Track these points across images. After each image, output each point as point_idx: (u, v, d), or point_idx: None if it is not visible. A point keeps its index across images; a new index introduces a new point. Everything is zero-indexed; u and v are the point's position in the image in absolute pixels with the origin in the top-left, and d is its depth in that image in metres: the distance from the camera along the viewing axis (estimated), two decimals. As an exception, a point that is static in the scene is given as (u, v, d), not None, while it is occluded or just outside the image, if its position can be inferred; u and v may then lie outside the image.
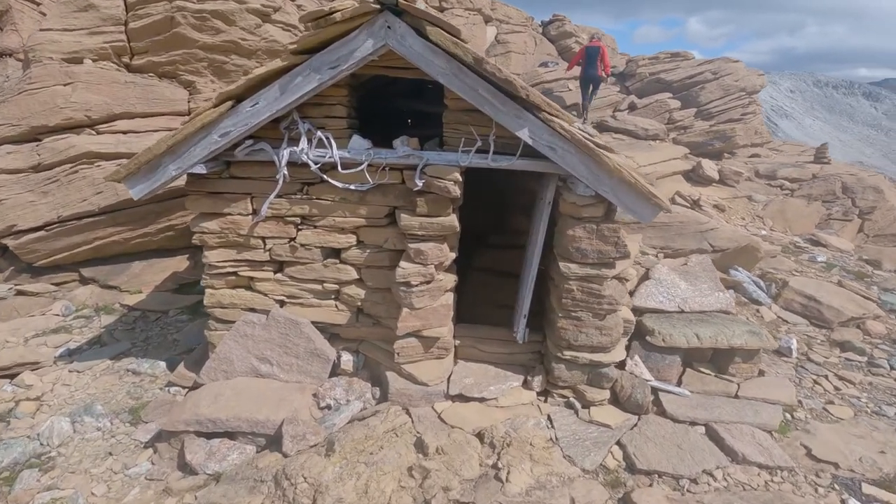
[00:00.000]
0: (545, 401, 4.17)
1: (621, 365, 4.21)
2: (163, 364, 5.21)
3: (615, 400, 4.10)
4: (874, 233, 9.17)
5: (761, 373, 4.53)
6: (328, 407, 4.16)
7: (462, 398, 4.06)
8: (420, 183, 3.73)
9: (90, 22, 7.19)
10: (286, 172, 3.89)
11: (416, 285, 3.92)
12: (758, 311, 5.79)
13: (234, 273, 4.36)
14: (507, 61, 14.55)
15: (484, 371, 4.34)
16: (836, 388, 4.48)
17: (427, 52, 3.37)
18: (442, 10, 10.47)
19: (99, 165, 6.73)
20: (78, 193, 6.57)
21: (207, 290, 4.44)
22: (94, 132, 7.01)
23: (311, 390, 4.31)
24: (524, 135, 3.53)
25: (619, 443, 3.68)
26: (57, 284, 7.09)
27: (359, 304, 4.31)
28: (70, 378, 5.10)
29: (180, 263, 7.48)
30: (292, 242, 4.22)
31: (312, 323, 4.37)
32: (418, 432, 3.64)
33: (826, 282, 6.41)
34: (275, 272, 4.37)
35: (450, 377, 4.21)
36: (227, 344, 4.43)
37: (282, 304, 4.44)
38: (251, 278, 4.38)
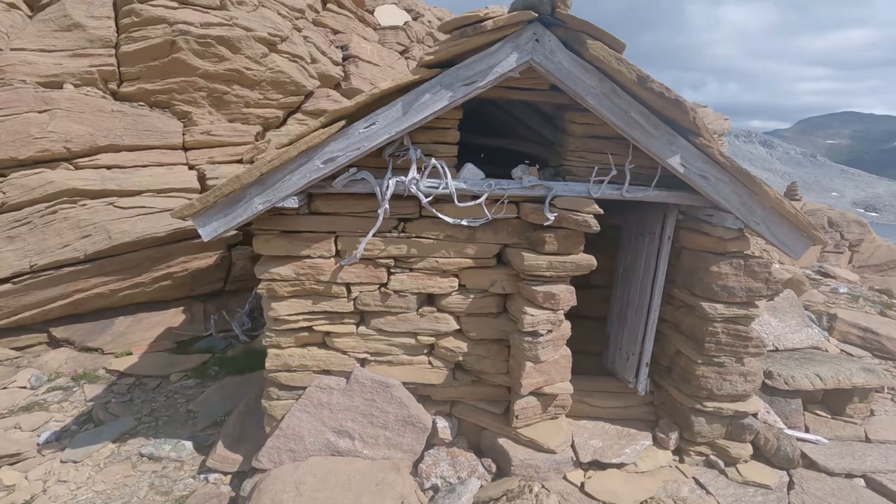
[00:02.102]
0: (681, 461, 3.68)
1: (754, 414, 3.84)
2: (188, 444, 4.22)
3: (757, 454, 3.68)
4: (859, 263, 9.71)
5: (871, 412, 4.32)
6: (434, 488, 3.43)
7: (598, 465, 3.49)
8: (552, 217, 3.26)
9: (74, 43, 6.28)
10: (388, 207, 3.30)
11: (543, 335, 3.38)
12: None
13: (308, 328, 3.60)
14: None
15: (603, 430, 3.81)
16: (947, 424, 4.35)
17: (577, 70, 2.99)
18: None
19: (84, 204, 5.71)
20: (57, 238, 5.50)
21: (271, 351, 3.62)
22: (71, 167, 5.98)
23: (407, 468, 3.57)
24: (675, 162, 3.19)
25: (791, 506, 3.25)
26: (19, 349, 5.81)
27: (459, 358, 3.68)
28: (66, 471, 3.99)
29: (174, 317, 6.43)
30: (383, 289, 3.57)
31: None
32: (574, 514, 3.02)
33: (862, 312, 6.51)
34: (357, 325, 3.66)
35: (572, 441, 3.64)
36: (297, 416, 3.61)
37: (362, 363, 3.72)
38: (327, 333, 3.64)
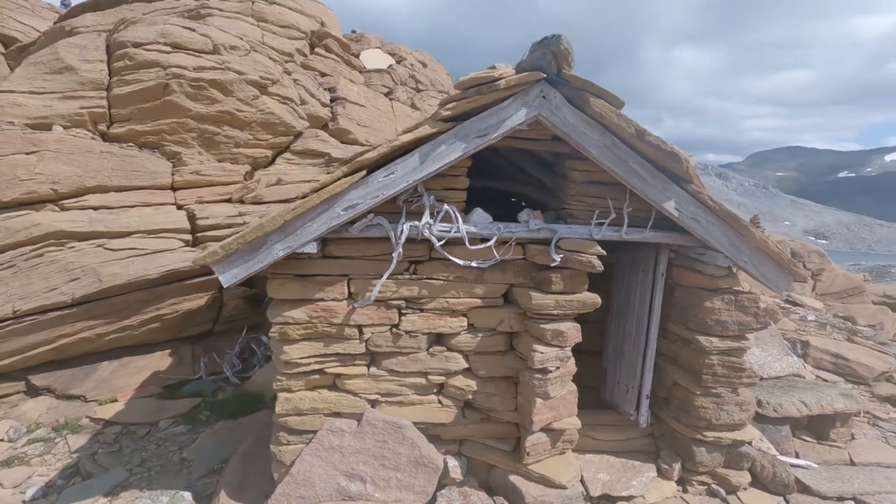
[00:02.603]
0: (684, 490, 3.81)
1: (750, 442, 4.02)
2: (187, 495, 4.08)
3: (755, 481, 3.85)
4: (821, 291, 10.31)
5: (852, 436, 4.58)
6: (449, 529, 3.44)
7: (608, 499, 3.57)
8: (558, 258, 3.45)
9: (65, 85, 6.29)
10: (401, 250, 3.42)
11: (552, 371, 3.51)
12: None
13: (320, 371, 3.62)
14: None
15: (609, 463, 3.91)
16: (921, 445, 4.64)
17: (581, 124, 3.25)
18: (418, 90, 10.73)
19: (72, 247, 5.60)
20: (44, 281, 5.35)
21: (281, 395, 3.61)
22: (57, 208, 5.88)
23: (420, 510, 3.57)
24: (670, 207, 3.45)
25: (793, 532, 3.40)
26: (-5, 399, 5.52)
27: (468, 397, 3.75)
28: (57, 530, 3.79)
29: (161, 361, 6.25)
30: (395, 329, 3.64)
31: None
32: (591, 550, 3.08)
33: (830, 339, 6.91)
34: (368, 366, 3.71)
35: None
36: (307, 461, 3.58)
37: (373, 404, 3.74)
38: (338, 375, 3.67)
